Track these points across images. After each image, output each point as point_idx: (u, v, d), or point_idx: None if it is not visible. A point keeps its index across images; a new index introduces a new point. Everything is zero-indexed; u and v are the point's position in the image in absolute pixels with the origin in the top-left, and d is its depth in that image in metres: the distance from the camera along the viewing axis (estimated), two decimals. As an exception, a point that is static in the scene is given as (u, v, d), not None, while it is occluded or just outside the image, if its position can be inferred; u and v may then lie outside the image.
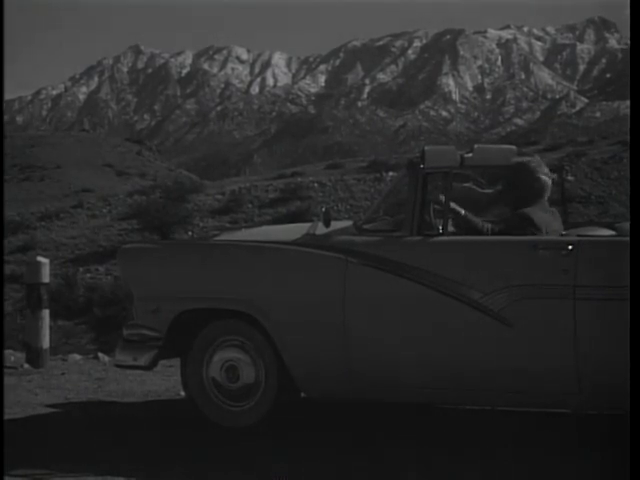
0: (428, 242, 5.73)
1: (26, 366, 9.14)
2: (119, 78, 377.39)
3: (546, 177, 6.00)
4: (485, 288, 5.51)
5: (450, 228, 6.02)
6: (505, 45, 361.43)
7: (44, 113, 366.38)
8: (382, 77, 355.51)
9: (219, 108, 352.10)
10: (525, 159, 6.11)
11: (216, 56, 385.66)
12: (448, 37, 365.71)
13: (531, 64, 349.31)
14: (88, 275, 44.77)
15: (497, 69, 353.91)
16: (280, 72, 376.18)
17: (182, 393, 7.07)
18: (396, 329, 5.74)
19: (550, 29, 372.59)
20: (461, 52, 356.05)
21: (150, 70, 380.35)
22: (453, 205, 5.93)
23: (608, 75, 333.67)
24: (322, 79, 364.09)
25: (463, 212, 6.01)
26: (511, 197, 6.04)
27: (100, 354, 10.03)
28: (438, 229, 5.76)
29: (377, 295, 5.78)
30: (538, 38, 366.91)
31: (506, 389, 5.60)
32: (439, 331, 5.65)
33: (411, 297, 5.68)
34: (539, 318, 5.43)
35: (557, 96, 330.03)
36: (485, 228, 6.01)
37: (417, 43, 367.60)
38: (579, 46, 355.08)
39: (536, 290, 5.42)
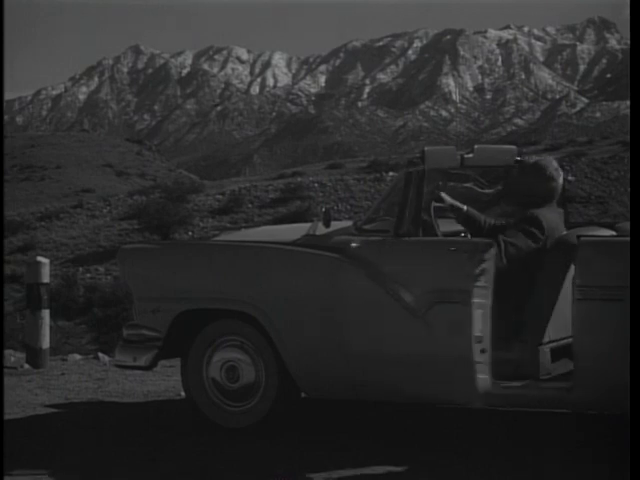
0: (400, 243, 5.75)
1: (26, 366, 9.13)
2: (119, 78, 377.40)
3: (561, 179, 5.94)
4: (415, 290, 5.57)
5: (450, 227, 6.01)
6: (505, 45, 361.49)
7: (44, 113, 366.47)
8: (382, 77, 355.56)
9: (219, 108, 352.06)
10: (541, 160, 6.03)
11: (216, 56, 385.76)
12: (448, 37, 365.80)
13: (531, 64, 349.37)
14: (88, 275, 44.83)
15: (497, 69, 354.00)
16: (280, 72, 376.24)
17: (182, 393, 7.06)
18: (393, 329, 5.74)
19: (550, 29, 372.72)
20: (461, 52, 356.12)
21: (150, 70, 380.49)
22: (453, 201, 5.93)
23: (608, 75, 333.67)
24: (322, 79, 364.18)
25: (465, 208, 6.00)
26: (521, 196, 5.97)
27: (100, 354, 10.02)
28: (435, 230, 5.76)
29: (376, 295, 5.77)
30: (538, 38, 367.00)
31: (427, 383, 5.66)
32: (418, 332, 5.65)
33: (394, 298, 5.71)
34: (451, 320, 5.47)
35: (557, 96, 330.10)
36: (487, 224, 6.01)
37: (417, 43, 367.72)
38: (579, 46, 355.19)
39: (449, 294, 5.47)
